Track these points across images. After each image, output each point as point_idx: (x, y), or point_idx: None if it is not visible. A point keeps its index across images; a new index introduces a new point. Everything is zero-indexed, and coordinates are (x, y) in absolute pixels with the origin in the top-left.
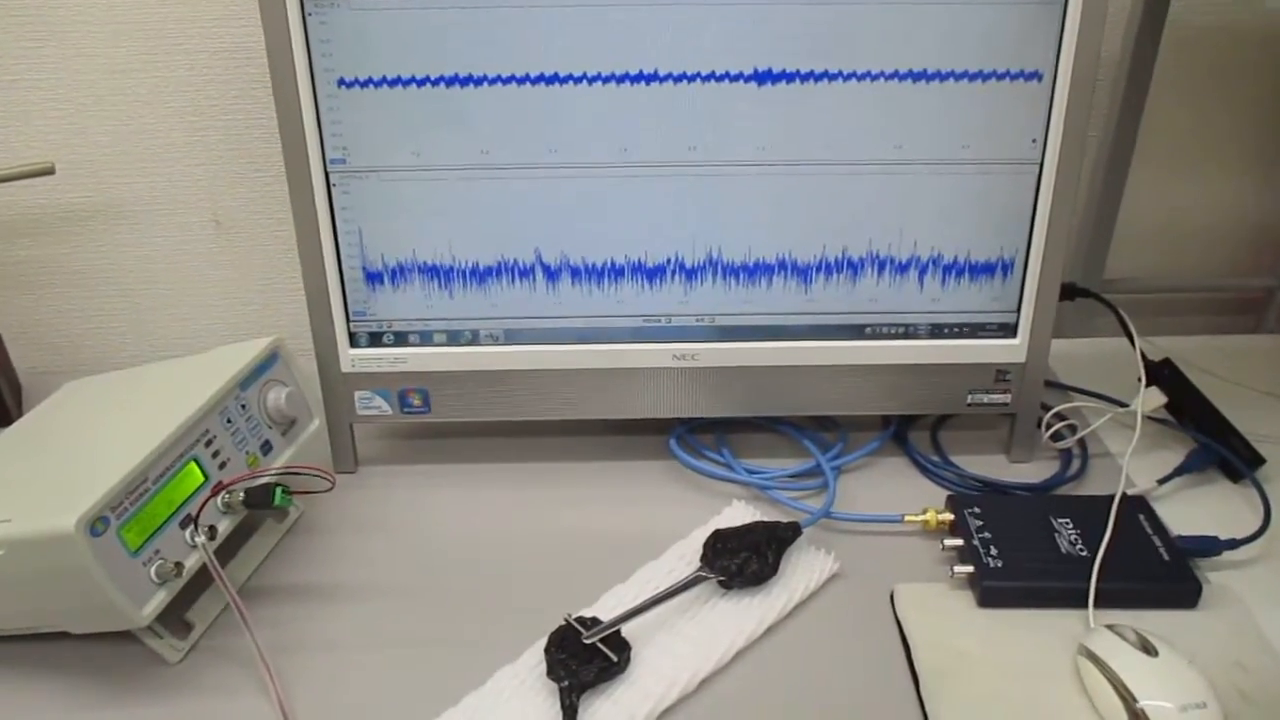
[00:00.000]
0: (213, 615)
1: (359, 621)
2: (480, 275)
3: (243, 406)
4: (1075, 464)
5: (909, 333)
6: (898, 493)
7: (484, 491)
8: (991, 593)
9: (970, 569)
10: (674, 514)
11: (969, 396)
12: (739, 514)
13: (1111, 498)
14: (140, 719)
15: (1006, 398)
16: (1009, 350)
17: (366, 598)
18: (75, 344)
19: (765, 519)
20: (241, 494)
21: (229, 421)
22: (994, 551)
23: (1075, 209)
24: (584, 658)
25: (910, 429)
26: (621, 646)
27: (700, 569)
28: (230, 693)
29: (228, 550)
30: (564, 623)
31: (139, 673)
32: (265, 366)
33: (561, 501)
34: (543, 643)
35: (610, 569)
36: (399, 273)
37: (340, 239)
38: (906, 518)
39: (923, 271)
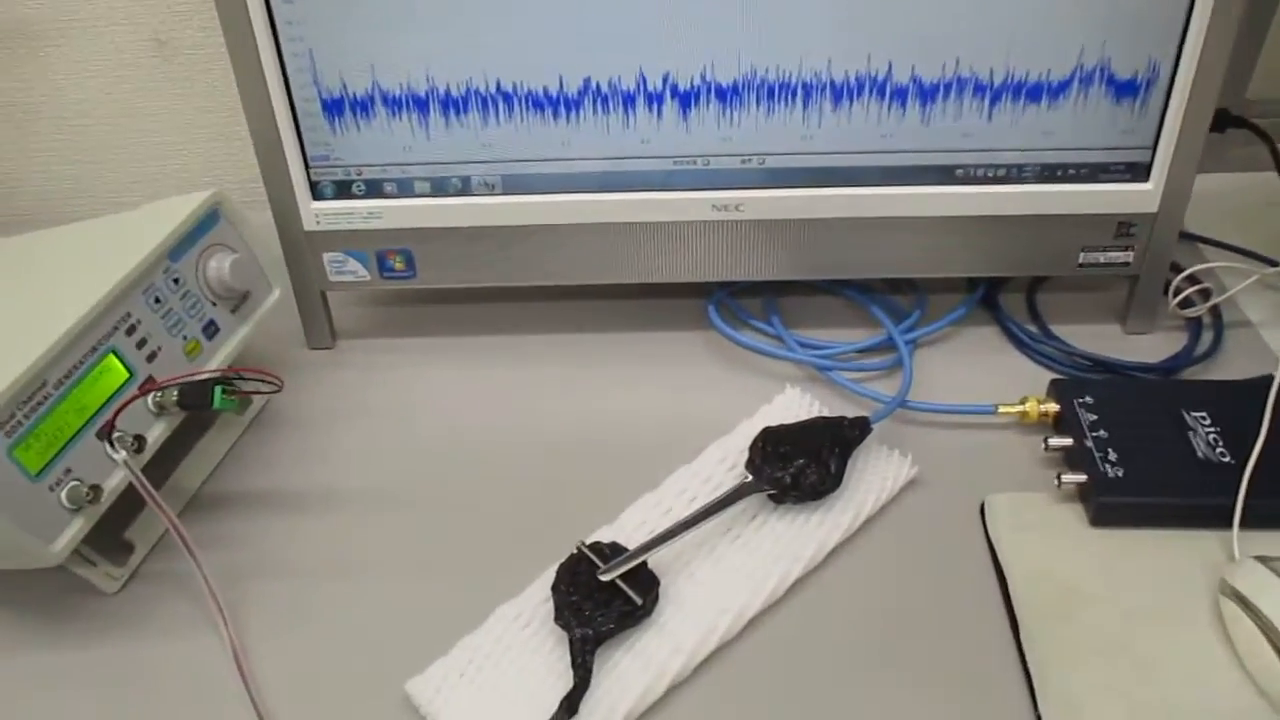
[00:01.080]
0: (159, 533)
1: (331, 540)
2: (466, 105)
3: (175, 281)
4: (1207, 338)
5: (1011, 175)
6: (988, 374)
7: (481, 371)
8: (1109, 509)
9: (1082, 478)
10: (713, 401)
11: (1081, 255)
12: (793, 404)
13: (1258, 383)
14: (69, 665)
15: (1128, 255)
16: (1139, 197)
17: (340, 508)
18: (12, 190)
19: (825, 413)
20: (175, 394)
21: (157, 301)
22: (1112, 455)
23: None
24: (601, 599)
25: (1001, 291)
26: (648, 584)
27: (746, 478)
28: (177, 630)
29: (175, 451)
30: (576, 551)
31: (69, 607)
32: (203, 229)
33: (574, 383)
34: (550, 574)
35: (635, 473)
36: (364, 104)
37: (286, 62)
38: (1000, 408)
39: (1033, 95)
